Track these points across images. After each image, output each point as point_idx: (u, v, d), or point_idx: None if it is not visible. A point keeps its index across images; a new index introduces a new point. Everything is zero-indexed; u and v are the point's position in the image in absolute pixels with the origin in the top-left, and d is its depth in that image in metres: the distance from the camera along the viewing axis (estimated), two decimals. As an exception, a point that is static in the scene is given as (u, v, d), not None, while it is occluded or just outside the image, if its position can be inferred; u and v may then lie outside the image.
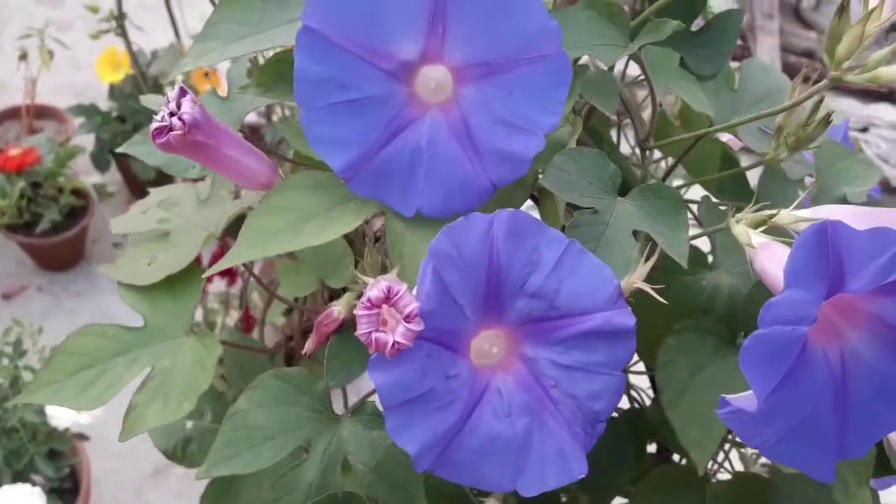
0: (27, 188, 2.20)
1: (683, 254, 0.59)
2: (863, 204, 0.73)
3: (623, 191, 0.68)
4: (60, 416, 1.63)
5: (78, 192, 2.30)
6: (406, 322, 0.47)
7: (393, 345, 0.47)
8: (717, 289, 0.68)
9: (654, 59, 0.72)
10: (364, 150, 0.57)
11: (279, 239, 0.58)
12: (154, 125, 0.55)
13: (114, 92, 2.36)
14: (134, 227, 0.76)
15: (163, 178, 2.44)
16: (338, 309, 0.61)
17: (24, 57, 2.29)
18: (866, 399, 0.53)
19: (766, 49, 3.04)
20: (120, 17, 1.94)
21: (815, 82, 0.60)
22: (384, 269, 0.60)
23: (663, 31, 0.63)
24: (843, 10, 0.53)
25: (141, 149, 0.69)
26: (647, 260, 0.56)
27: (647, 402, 0.81)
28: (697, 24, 0.76)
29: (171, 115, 0.55)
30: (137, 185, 2.46)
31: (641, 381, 0.84)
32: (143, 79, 2.11)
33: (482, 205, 0.60)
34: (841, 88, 3.14)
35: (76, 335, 0.70)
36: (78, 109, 2.34)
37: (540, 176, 0.65)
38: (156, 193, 0.80)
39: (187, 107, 0.54)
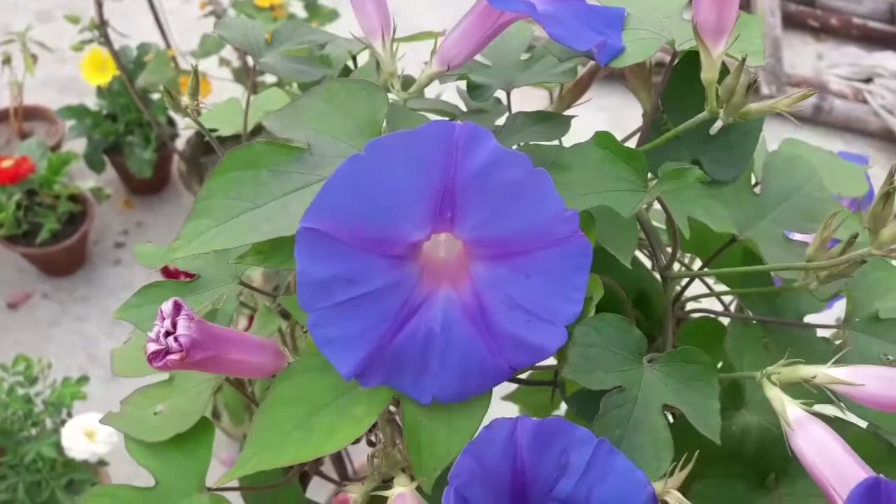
0: (23, 198, 2.16)
1: (715, 427, 0.57)
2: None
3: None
4: (77, 449, 1.63)
5: (75, 198, 2.25)
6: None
7: None
8: (747, 431, 0.65)
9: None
10: (374, 346, 0.54)
11: (290, 443, 0.55)
12: (151, 347, 0.51)
13: (101, 90, 2.29)
14: (136, 369, 0.73)
15: (158, 179, 2.40)
16: (354, 497, 0.58)
17: (7, 61, 2.21)
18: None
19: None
20: (102, 25, 1.86)
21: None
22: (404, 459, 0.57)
23: (686, 179, 0.59)
24: (887, 197, 0.49)
25: (138, 312, 0.65)
26: (682, 468, 0.53)
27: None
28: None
29: (167, 334, 0.51)
30: (134, 184, 2.42)
31: None
32: (130, 81, 2.04)
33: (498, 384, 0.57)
34: (842, 35, 3.04)
35: (87, 498, 0.68)
36: (68, 112, 2.28)
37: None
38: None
39: (183, 327, 0.51)
